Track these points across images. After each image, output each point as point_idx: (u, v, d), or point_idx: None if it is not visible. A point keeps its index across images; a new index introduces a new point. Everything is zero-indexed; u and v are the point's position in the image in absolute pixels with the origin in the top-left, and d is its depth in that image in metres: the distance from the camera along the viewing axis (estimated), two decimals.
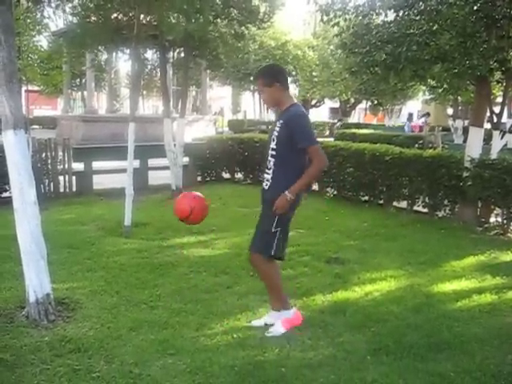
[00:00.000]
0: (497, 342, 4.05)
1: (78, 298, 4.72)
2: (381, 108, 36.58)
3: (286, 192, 3.90)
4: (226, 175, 13.09)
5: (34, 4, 10.29)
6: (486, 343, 4.03)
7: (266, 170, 4.09)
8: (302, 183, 3.95)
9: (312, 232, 7.61)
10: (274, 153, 4.01)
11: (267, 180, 4.09)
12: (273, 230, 4.06)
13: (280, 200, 3.92)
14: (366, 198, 10.08)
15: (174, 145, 10.55)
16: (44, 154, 9.97)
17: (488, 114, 8.70)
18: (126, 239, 6.95)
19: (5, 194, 8.99)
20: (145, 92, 36.54)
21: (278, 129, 3.99)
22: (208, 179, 12.53)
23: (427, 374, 3.55)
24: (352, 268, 5.93)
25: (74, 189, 10.48)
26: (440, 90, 14.05)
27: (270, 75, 4.10)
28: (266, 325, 4.23)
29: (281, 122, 3.99)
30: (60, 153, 10.29)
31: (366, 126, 32.33)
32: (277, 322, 4.20)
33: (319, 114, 45.54)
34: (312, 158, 3.94)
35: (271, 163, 4.04)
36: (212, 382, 3.37)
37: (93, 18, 9.79)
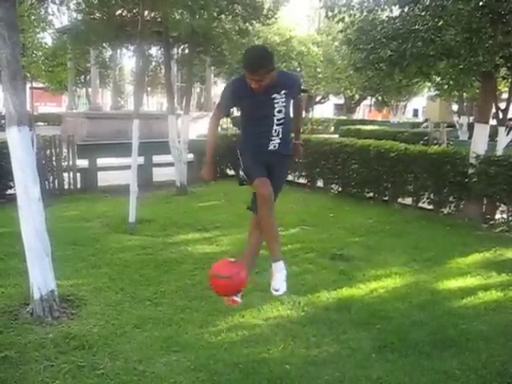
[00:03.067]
0: (502, 340, 4.03)
1: (82, 294, 4.72)
2: (386, 104, 36.45)
3: (300, 141, 4.32)
4: (231, 172, 13.07)
5: (38, 1, 10.31)
6: (492, 341, 4.01)
7: (272, 137, 4.00)
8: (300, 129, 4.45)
9: (317, 229, 7.59)
10: (282, 121, 3.96)
11: (276, 142, 4.00)
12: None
13: (300, 149, 4.29)
14: (371, 194, 10.06)
15: (179, 141, 10.54)
16: (48, 151, 9.98)
17: (494, 110, 8.65)
18: (130, 236, 6.95)
19: (9, 191, 9.00)
20: (149, 89, 36.57)
21: (283, 99, 3.90)
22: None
23: (432, 371, 3.54)
24: (357, 265, 5.92)
25: (79, 185, 10.49)
26: (445, 87, 14.00)
27: (271, 61, 3.89)
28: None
29: (284, 92, 3.89)
30: (64, 149, 10.30)
31: (371, 122, 32.27)
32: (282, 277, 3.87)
33: (324, 111, 45.49)
34: (300, 105, 4.35)
35: (278, 130, 3.98)
36: (216, 379, 3.37)
37: (97, 15, 9.79)
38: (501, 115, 8.64)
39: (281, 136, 4.00)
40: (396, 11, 8.83)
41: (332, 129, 35.02)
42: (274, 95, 3.88)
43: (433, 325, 4.28)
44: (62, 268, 5.20)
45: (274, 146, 4.02)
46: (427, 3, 8.20)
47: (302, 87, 4.27)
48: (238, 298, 3.61)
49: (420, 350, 3.82)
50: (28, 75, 10.02)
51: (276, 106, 3.92)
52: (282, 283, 3.78)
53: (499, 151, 8.43)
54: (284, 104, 3.93)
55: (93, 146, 11.57)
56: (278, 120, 3.96)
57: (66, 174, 10.26)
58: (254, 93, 3.84)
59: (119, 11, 9.81)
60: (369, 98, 37.34)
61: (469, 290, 5.13)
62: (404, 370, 3.53)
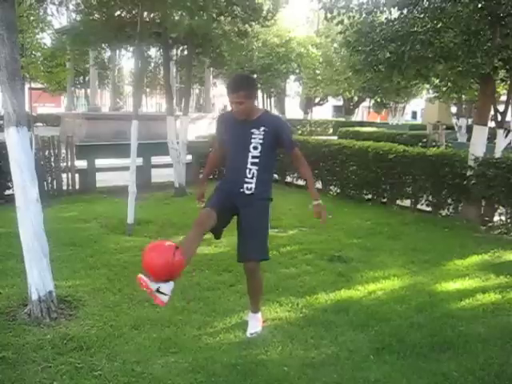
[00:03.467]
0: (500, 342, 4.03)
1: (80, 295, 4.71)
2: (384, 106, 36.50)
3: (317, 202, 4.11)
4: None
5: (37, 1, 10.31)
6: (490, 343, 4.01)
7: (246, 179, 3.99)
8: (313, 186, 4.20)
9: (315, 230, 7.59)
10: (256, 160, 3.97)
11: (249, 188, 3.99)
12: (267, 233, 4.13)
13: (322, 212, 4.14)
14: (370, 196, 10.06)
15: (177, 143, 10.54)
16: (47, 152, 9.97)
17: (492, 112, 8.66)
18: (128, 237, 6.94)
19: (7, 192, 8.99)
20: (148, 90, 36.57)
21: (261, 136, 3.95)
22: (211, 177, 12.43)
23: (430, 373, 3.53)
24: (355, 266, 5.91)
25: (77, 186, 10.49)
26: (444, 89, 14.02)
27: (253, 87, 4.07)
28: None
29: (263, 129, 3.95)
30: (63, 150, 10.30)
31: (370, 124, 32.32)
32: (256, 322, 4.19)
33: (322, 113, 45.51)
34: (299, 159, 4.11)
35: (253, 171, 3.98)
36: (214, 381, 3.36)
37: (96, 16, 9.79)
38: (499, 117, 8.64)
39: (256, 180, 3.98)
40: (395, 13, 8.83)
41: (331, 130, 35.11)
42: (253, 130, 3.97)
43: (431, 327, 4.27)
44: (60, 269, 5.20)
45: (249, 189, 3.99)
46: (426, 5, 8.21)
47: (292, 148, 4.06)
48: (165, 299, 3.45)
49: (418, 352, 3.81)
50: (27, 76, 10.01)
51: (252, 141, 3.97)
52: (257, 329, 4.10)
53: (498, 153, 8.44)
54: (261, 141, 3.96)
55: (91, 147, 11.57)
56: (252, 157, 3.97)
57: (64, 175, 10.26)
58: (235, 123, 4.00)
59: (118, 12, 9.80)
60: (367, 99, 37.40)
61: (467, 292, 5.13)
62: (402, 372, 3.53)
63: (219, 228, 4.11)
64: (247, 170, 3.98)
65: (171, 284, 3.50)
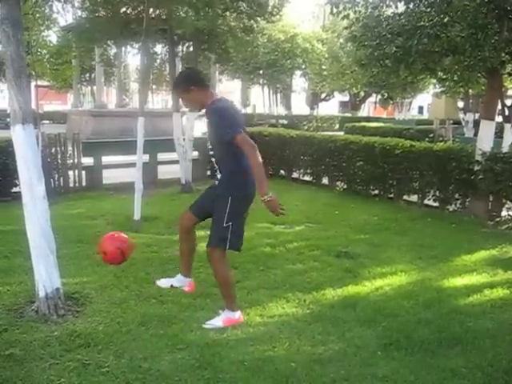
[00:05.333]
0: (509, 338, 4.01)
1: (87, 292, 4.72)
2: (391, 101, 36.37)
3: (262, 198, 3.83)
4: None
5: None
6: (498, 339, 3.99)
7: (216, 169, 4.24)
8: (261, 180, 3.86)
9: (322, 226, 7.58)
10: (212, 153, 4.18)
11: (217, 178, 4.22)
12: (224, 225, 4.06)
13: (270, 207, 3.86)
14: (377, 191, 10.03)
15: (184, 139, 10.54)
16: (53, 149, 9.99)
17: (499, 106, 8.61)
18: (135, 233, 6.94)
19: (14, 189, 9.02)
20: (154, 86, 36.58)
21: (208, 128, 4.13)
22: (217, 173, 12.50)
23: (438, 369, 3.52)
24: (362, 262, 5.90)
25: (84, 183, 10.51)
26: (451, 83, 13.94)
27: (183, 82, 4.18)
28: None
29: (207, 121, 4.12)
30: (69, 147, 10.32)
31: (376, 119, 32.21)
32: (219, 317, 4.20)
33: (329, 108, 45.41)
34: (243, 147, 3.86)
35: (214, 162, 4.21)
36: (221, 377, 3.36)
37: (102, 13, 9.79)
38: (507, 112, 8.60)
39: (220, 172, 4.16)
40: (401, 7, 8.79)
41: (337, 126, 35.03)
42: (207, 121, 4.15)
43: (438, 322, 4.26)
44: (67, 266, 5.21)
45: (218, 180, 4.22)
46: None
47: (228, 136, 3.89)
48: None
49: (426, 348, 3.80)
50: (33, 73, 10.02)
51: (207, 133, 4.19)
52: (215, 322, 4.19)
53: (505, 148, 8.40)
54: (208, 134, 4.18)
55: (98, 144, 11.58)
56: (210, 150, 4.21)
57: (71, 172, 10.27)
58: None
59: (124, 9, 9.81)
60: (374, 95, 37.29)
61: (475, 288, 5.11)
62: (410, 368, 3.51)
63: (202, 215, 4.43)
64: (214, 161, 4.23)
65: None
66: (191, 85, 4.08)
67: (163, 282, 4.79)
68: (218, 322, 4.16)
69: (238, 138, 3.85)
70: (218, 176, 4.18)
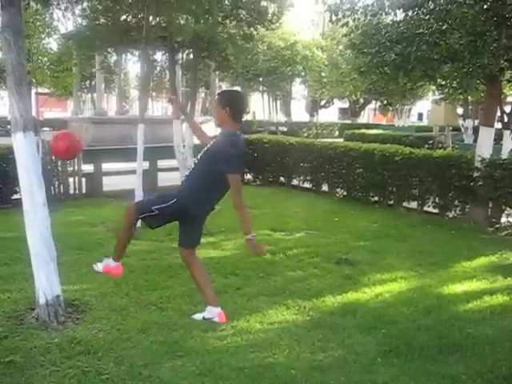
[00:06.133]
0: (509, 344, 4.01)
1: (87, 299, 4.72)
2: (390, 108, 36.43)
3: (246, 237, 4.14)
4: None
5: (43, 6, 10.34)
6: (498, 345, 3.99)
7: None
8: (246, 219, 4.17)
9: (322, 233, 7.59)
10: (189, 175, 4.37)
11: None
12: (154, 208, 4.29)
13: (251, 245, 4.13)
14: (376, 198, 10.04)
15: (184, 146, 10.55)
16: (54, 156, 10.00)
17: (498, 113, 8.63)
18: (135, 241, 6.91)
19: (15, 196, 9.03)
20: (154, 93, 36.63)
21: (202, 157, 4.30)
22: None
23: (438, 376, 3.52)
24: (362, 269, 5.90)
25: (84, 190, 10.52)
26: (450, 90, 13.98)
27: (228, 99, 4.36)
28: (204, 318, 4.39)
29: (210, 142, 4.31)
30: None
31: (376, 126, 32.25)
32: (207, 312, 4.40)
33: (328, 115, 45.47)
34: (231, 186, 4.10)
35: (184, 180, 4.43)
36: None
37: (102, 20, 9.81)
38: (506, 118, 8.62)
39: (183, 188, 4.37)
40: (400, 15, 8.82)
41: (337, 133, 35.07)
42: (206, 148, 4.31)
43: (438, 329, 4.26)
44: (68, 273, 5.21)
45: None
46: (431, 7, 8.19)
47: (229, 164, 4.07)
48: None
49: (426, 355, 3.80)
50: (33, 80, 10.04)
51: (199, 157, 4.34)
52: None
53: (504, 154, 8.41)
54: (197, 160, 4.34)
55: (98, 151, 11.61)
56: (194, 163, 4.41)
57: (71, 179, 10.29)
58: None
59: (124, 17, 9.82)
60: (373, 102, 37.34)
61: (474, 294, 5.12)
62: (410, 375, 3.52)
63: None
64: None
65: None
66: (227, 106, 4.26)
67: (97, 266, 4.66)
68: (208, 314, 4.39)
69: (232, 178, 4.07)
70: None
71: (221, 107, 4.28)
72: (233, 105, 4.31)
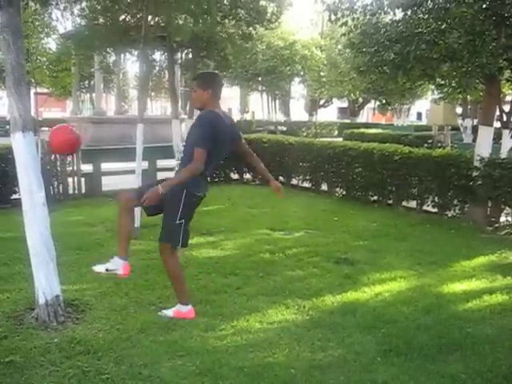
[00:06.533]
0: (508, 343, 4.01)
1: (87, 299, 4.72)
2: (389, 107, 36.44)
3: (159, 185, 4.07)
4: (235, 176, 13.09)
5: (42, 6, 10.34)
6: (498, 344, 3.99)
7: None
8: (174, 181, 4.21)
9: (321, 232, 7.59)
10: (183, 149, 4.56)
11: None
12: (177, 222, 4.31)
13: (152, 191, 4.05)
14: (375, 198, 10.05)
15: (183, 146, 10.54)
16: (53, 156, 10.01)
17: (497, 112, 8.64)
18: (134, 240, 6.92)
19: (14, 196, 9.03)
20: (153, 93, 36.59)
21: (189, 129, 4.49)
22: (216, 180, 12.52)
23: (438, 375, 3.52)
24: (361, 268, 5.91)
25: (83, 190, 10.52)
26: (449, 90, 14.00)
27: (206, 80, 4.47)
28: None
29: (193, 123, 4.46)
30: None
31: (375, 125, 32.26)
32: (171, 309, 4.47)
33: (327, 115, 45.49)
34: (192, 159, 4.17)
35: (180, 159, 4.59)
36: None
37: (101, 20, 9.81)
38: (505, 118, 8.62)
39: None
40: (399, 14, 8.82)
41: (336, 132, 35.07)
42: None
43: (438, 328, 4.26)
44: (67, 273, 5.22)
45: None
46: (430, 6, 8.19)
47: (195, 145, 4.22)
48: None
49: (425, 354, 3.80)
50: (32, 80, 10.05)
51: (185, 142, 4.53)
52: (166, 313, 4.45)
53: (503, 154, 8.42)
54: (187, 134, 4.59)
55: (97, 151, 11.61)
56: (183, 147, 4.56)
57: (70, 179, 10.29)
58: None
59: (123, 16, 9.82)
60: (372, 101, 37.36)
61: (474, 294, 5.12)
62: (409, 374, 3.52)
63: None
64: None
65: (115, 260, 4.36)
66: (209, 87, 4.36)
67: (99, 268, 4.47)
68: (169, 312, 4.43)
69: (197, 152, 4.14)
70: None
71: (202, 89, 4.34)
72: (214, 85, 4.41)
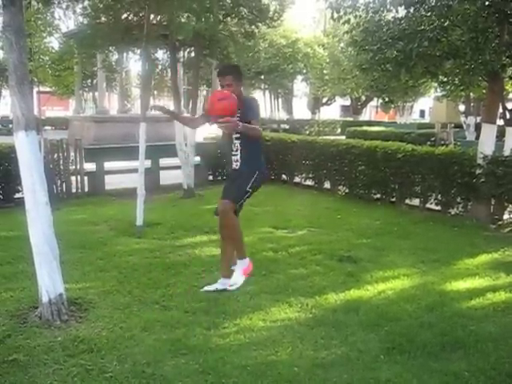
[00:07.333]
0: None
1: (90, 298, 4.73)
2: (392, 105, 36.40)
3: (240, 123, 4.55)
4: None
5: (44, 5, 10.36)
6: (501, 342, 3.99)
7: (233, 153, 4.93)
8: (249, 128, 4.66)
9: (324, 230, 7.58)
10: (238, 135, 4.81)
11: (236, 160, 4.93)
12: (247, 189, 4.88)
13: (233, 121, 4.49)
14: (378, 195, 10.04)
15: (186, 144, 10.56)
16: (56, 155, 10.02)
17: (501, 110, 8.61)
18: (138, 239, 6.96)
19: (17, 195, 9.05)
20: (156, 92, 36.63)
21: (239, 115, 4.68)
22: (219, 178, 12.52)
23: (441, 373, 3.52)
24: (365, 266, 5.90)
25: (86, 189, 10.53)
26: (452, 87, 13.97)
27: (239, 73, 5.02)
28: (216, 289, 4.92)
29: (240, 110, 4.71)
30: (72, 153, 10.34)
31: (378, 123, 32.22)
32: (235, 274, 4.98)
33: (330, 113, 45.43)
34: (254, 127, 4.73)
35: (237, 145, 4.87)
36: (224, 382, 3.36)
37: (103, 19, 9.83)
38: (508, 115, 8.60)
39: (240, 155, 4.88)
40: (402, 12, 8.80)
41: (339, 130, 35.03)
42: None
43: (441, 326, 4.26)
44: (70, 271, 5.22)
45: (236, 165, 4.93)
46: (433, 3, 8.17)
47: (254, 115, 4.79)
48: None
49: (429, 352, 3.80)
50: (35, 79, 10.06)
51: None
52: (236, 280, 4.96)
53: (507, 151, 8.39)
54: (239, 119, 4.63)
55: (100, 150, 11.61)
56: (236, 134, 4.80)
57: (73, 178, 10.30)
58: None
59: (125, 15, 9.84)
60: (375, 99, 37.33)
61: (477, 291, 5.11)
62: (412, 372, 3.52)
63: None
64: (233, 145, 4.89)
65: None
66: (240, 78, 5.01)
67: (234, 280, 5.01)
68: (238, 277, 4.96)
69: (255, 122, 4.75)
70: (237, 159, 4.89)
71: (239, 81, 4.94)
72: (241, 75, 5.03)
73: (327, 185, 11.24)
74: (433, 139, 18.65)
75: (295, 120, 36.25)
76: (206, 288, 4.96)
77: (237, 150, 4.87)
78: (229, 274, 5.02)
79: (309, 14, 51.86)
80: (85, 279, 5.27)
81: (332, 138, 13.42)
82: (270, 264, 5.91)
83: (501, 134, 9.37)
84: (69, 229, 7.05)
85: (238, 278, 4.98)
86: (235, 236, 4.98)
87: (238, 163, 4.91)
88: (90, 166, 10.67)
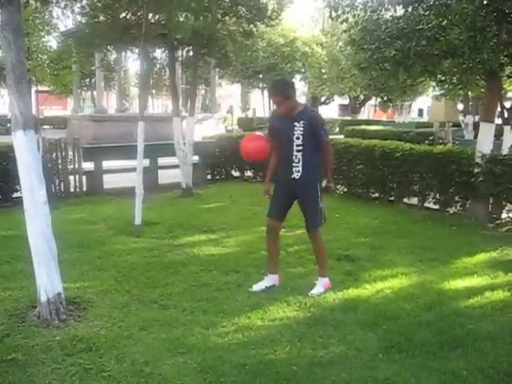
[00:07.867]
0: (510, 340, 4.01)
1: (89, 297, 4.73)
2: (390, 104, 36.37)
3: (331, 184, 5.43)
4: (236, 173, 13.08)
5: (42, 4, 10.33)
6: (499, 341, 3.99)
7: (294, 164, 4.97)
8: (331, 172, 5.34)
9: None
10: (300, 148, 4.91)
11: (297, 171, 4.99)
12: (320, 206, 5.23)
13: (332, 189, 5.43)
14: (377, 194, 10.04)
15: (184, 143, 10.55)
16: (54, 154, 10.02)
17: (499, 109, 8.62)
18: (136, 238, 6.96)
19: (15, 195, 9.04)
20: (154, 91, 36.60)
21: (301, 128, 4.87)
22: (218, 177, 12.54)
23: (439, 371, 3.52)
24: (363, 265, 5.91)
25: (85, 188, 10.53)
26: (450, 86, 13.98)
27: (286, 89, 5.01)
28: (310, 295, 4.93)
29: (302, 122, 4.88)
30: (70, 152, 10.34)
31: (376, 122, 32.21)
32: (317, 286, 5.06)
33: (328, 111, 45.43)
34: (327, 150, 5.16)
35: (298, 156, 4.94)
36: (223, 381, 3.37)
37: (101, 18, 9.82)
38: (506, 114, 8.60)
39: (301, 164, 4.95)
40: (400, 11, 8.80)
41: (337, 129, 35.01)
42: (295, 123, 4.88)
43: (439, 325, 4.26)
44: (69, 271, 5.22)
45: (297, 175, 5.01)
46: (431, 2, 8.16)
47: (324, 139, 5.05)
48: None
49: (427, 351, 3.81)
50: (33, 79, 10.05)
51: (295, 132, 4.87)
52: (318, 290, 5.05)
53: (505, 150, 8.40)
54: (302, 132, 4.88)
55: (98, 149, 11.60)
56: (296, 146, 4.90)
57: (71, 177, 10.30)
58: (281, 119, 5.03)
59: (123, 14, 9.83)
60: (373, 98, 37.31)
61: (475, 290, 5.11)
62: (411, 371, 3.52)
63: (284, 215, 5.30)
64: (293, 157, 4.95)
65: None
66: (290, 92, 5.02)
67: (257, 286, 5.08)
68: (319, 289, 5.01)
69: (327, 141, 5.16)
70: (299, 169, 4.98)
71: (289, 100, 4.95)
72: (290, 90, 5.03)
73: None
74: (431, 138, 18.66)
75: None
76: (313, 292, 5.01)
77: (298, 162, 4.97)
78: (275, 270, 5.25)
79: (307, 13, 51.84)
80: (83, 278, 5.27)
81: (330, 137, 13.41)
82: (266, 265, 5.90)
83: (499, 133, 9.38)
84: (67, 228, 7.05)
85: (319, 290, 5.03)
86: (324, 256, 5.31)
87: (299, 174, 5.00)
88: (88, 165, 10.67)
